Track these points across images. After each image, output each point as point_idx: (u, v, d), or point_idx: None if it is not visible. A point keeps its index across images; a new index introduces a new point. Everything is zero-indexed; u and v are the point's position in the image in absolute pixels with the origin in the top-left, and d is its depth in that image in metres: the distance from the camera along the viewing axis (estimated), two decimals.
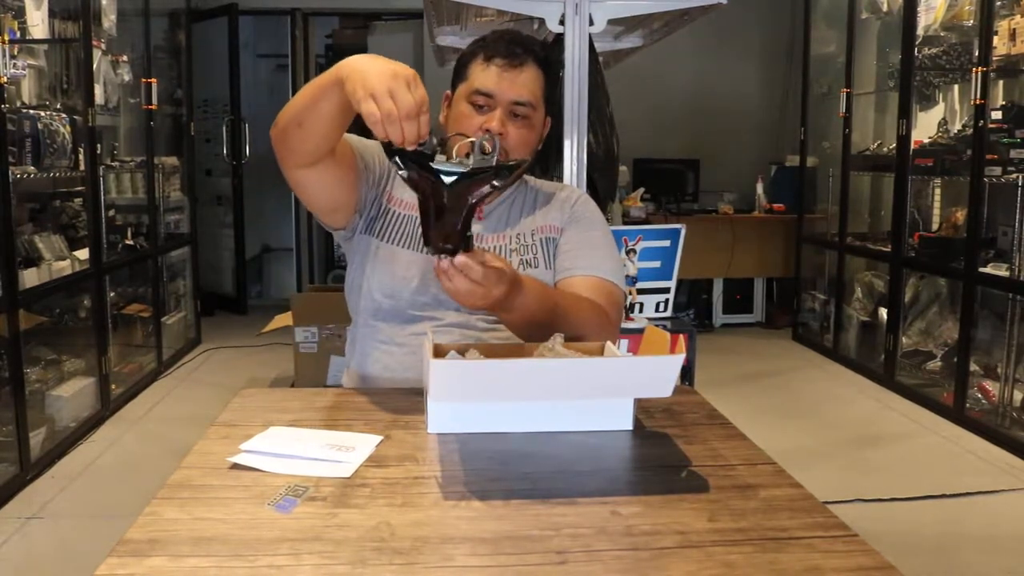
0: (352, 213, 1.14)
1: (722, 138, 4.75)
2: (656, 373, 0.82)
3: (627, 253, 2.16)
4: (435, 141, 0.85)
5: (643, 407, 0.95)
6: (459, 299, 0.90)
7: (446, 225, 0.85)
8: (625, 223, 3.42)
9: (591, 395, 0.86)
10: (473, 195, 0.85)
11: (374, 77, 0.81)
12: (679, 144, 4.71)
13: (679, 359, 0.81)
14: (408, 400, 0.97)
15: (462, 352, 0.93)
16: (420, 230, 1.11)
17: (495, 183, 0.85)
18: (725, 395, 3.16)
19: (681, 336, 2.04)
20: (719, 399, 1.15)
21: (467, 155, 0.86)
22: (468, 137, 0.91)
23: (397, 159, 0.84)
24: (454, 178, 0.84)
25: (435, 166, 0.84)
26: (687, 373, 2.12)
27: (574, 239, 1.17)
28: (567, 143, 1.77)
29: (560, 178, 1.81)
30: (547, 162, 1.83)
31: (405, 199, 1.16)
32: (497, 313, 1.00)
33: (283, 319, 3.09)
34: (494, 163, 0.85)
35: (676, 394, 0.87)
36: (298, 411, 0.94)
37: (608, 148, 1.98)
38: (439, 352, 0.93)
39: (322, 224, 1.18)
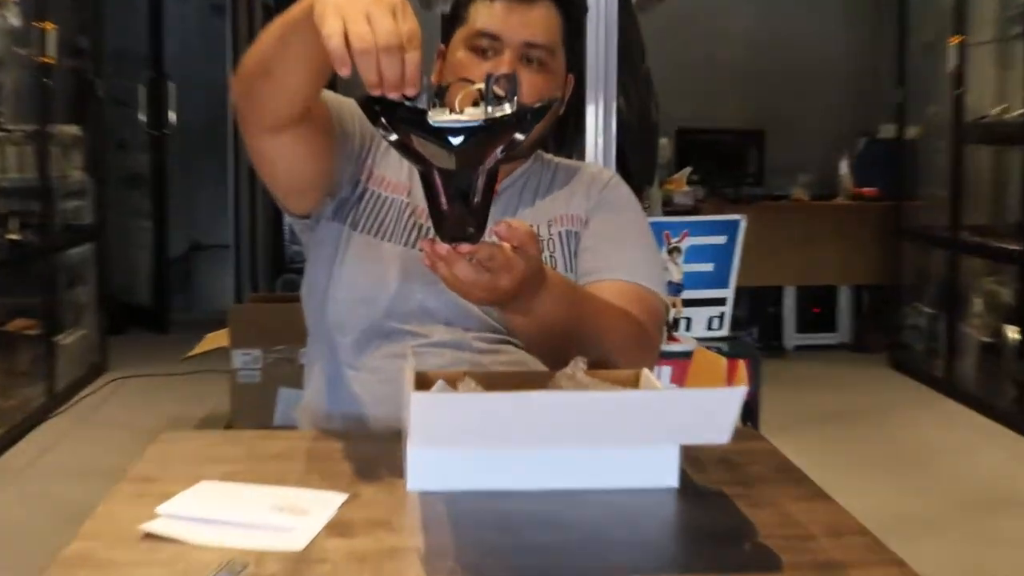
0: (323, 195, 1.16)
1: (795, 102, 4.75)
2: (709, 411, 0.82)
3: (669, 253, 2.16)
4: (431, 91, 0.83)
5: (692, 457, 0.95)
6: (457, 289, 0.90)
7: (460, 203, 0.83)
8: (667, 213, 3.41)
9: (623, 441, 0.86)
10: (490, 156, 0.82)
11: None
12: (738, 110, 4.71)
13: (739, 393, 0.81)
14: (382, 446, 0.97)
15: (453, 382, 0.93)
16: (406, 218, 1.15)
17: (518, 135, 0.82)
18: (801, 441, 3.05)
19: (742, 362, 2.03)
20: (793, 446, 1.15)
21: (475, 104, 0.85)
22: (473, 83, 0.90)
23: (383, 120, 0.82)
24: (462, 137, 0.82)
25: (433, 123, 0.82)
26: (750, 412, 2.13)
27: (602, 233, 1.18)
28: (590, 109, 1.77)
29: (581, 154, 1.82)
30: (563, 134, 1.83)
31: (389, 177, 1.18)
32: (508, 316, 1.01)
33: (216, 339, 3.10)
34: (513, 108, 0.82)
35: (735, 440, 0.84)
36: (235, 460, 0.94)
37: (644, 115, 2.01)
38: (423, 382, 0.93)
39: (283, 209, 1.20)
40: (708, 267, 2.20)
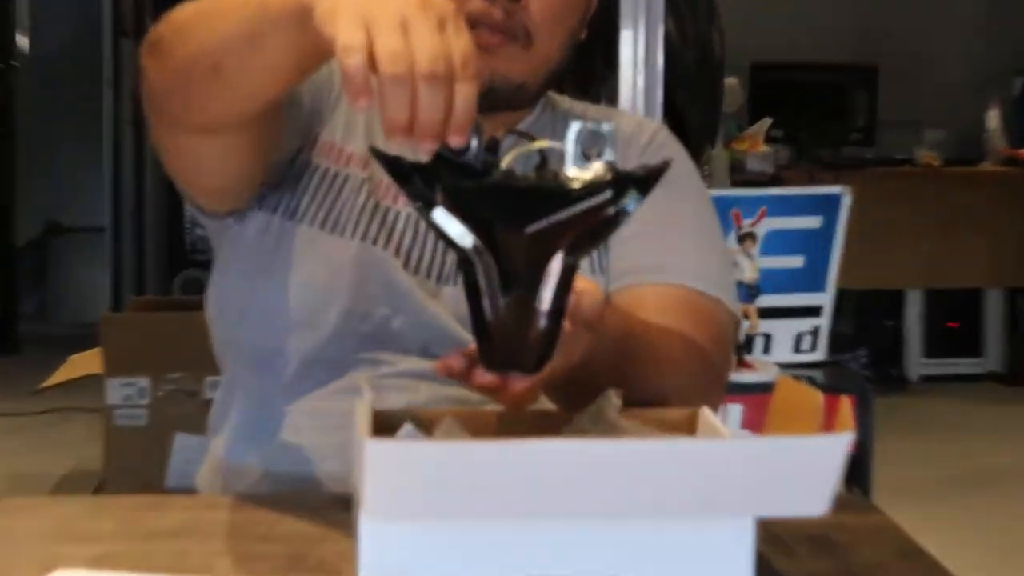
0: (258, 189, 1.14)
1: (921, 26, 4.72)
2: (798, 469, 0.79)
3: (740, 241, 2.17)
4: (475, 141, 0.77)
5: (773, 535, 0.91)
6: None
7: (521, 316, 0.80)
8: (736, 184, 3.46)
9: (674, 511, 0.83)
10: (571, 243, 0.79)
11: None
12: (840, 38, 4.70)
13: (842, 443, 0.76)
14: (324, 518, 0.95)
15: (428, 424, 0.91)
16: (362, 201, 1.15)
17: (617, 207, 0.78)
18: (931, 512, 3.09)
19: (845, 399, 2.04)
20: (919, 519, 1.15)
21: (539, 164, 0.81)
22: (530, 137, 0.87)
23: (417, 179, 0.77)
24: (539, 211, 0.78)
25: (494, 183, 0.78)
26: (858, 469, 2.11)
27: (644, 216, 1.17)
28: (625, 35, 1.79)
29: (613, 99, 1.82)
30: (587, 70, 1.84)
31: (340, 144, 1.16)
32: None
33: (84, 362, 3.04)
34: (611, 172, 0.78)
35: (836, 510, 0.82)
36: (110, 538, 0.92)
37: (703, 45, 1.97)
38: (384, 424, 0.90)
39: (192, 205, 1.17)
40: (796, 262, 2.19)
